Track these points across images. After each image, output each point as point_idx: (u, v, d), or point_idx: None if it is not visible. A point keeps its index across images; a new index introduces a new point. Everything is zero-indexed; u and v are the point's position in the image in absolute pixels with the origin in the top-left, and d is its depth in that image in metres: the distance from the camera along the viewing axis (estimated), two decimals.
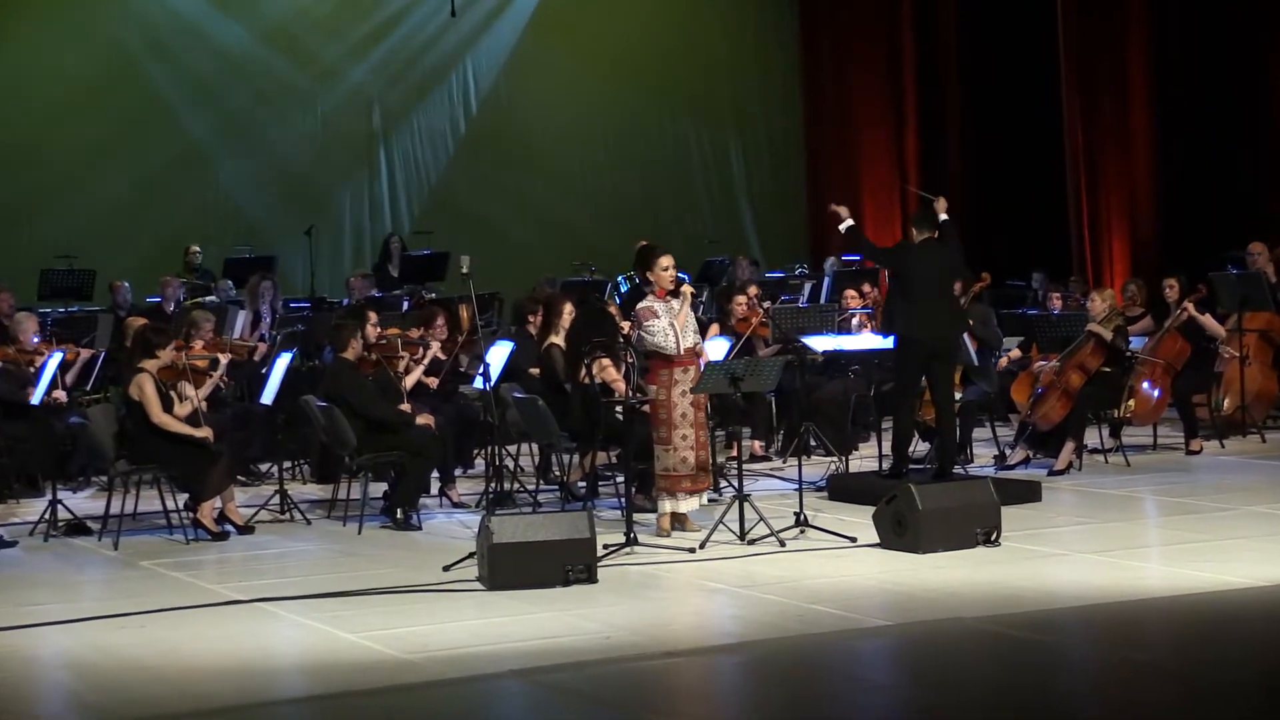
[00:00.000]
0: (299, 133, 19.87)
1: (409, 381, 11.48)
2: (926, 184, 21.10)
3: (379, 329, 11.54)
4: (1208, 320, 13.41)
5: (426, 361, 11.68)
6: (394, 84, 20.47)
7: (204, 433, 10.42)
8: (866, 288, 13.22)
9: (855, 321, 13.11)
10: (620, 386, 10.67)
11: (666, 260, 10.01)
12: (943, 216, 11.04)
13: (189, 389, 10.63)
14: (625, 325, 11.05)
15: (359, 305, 13.99)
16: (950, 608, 7.94)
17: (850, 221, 11.07)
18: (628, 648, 7.32)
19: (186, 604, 8.41)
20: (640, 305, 10.09)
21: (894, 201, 21.26)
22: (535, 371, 11.68)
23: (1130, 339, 12.74)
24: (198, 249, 17.44)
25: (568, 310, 11.43)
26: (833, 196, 21.66)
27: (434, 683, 6.87)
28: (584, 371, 10.75)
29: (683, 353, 9.90)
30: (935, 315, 10.82)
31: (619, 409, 10.48)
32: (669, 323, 9.87)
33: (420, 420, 11.02)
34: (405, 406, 11.08)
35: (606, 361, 10.76)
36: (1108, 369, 12.38)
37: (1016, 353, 13.12)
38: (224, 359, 11.09)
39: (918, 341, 10.83)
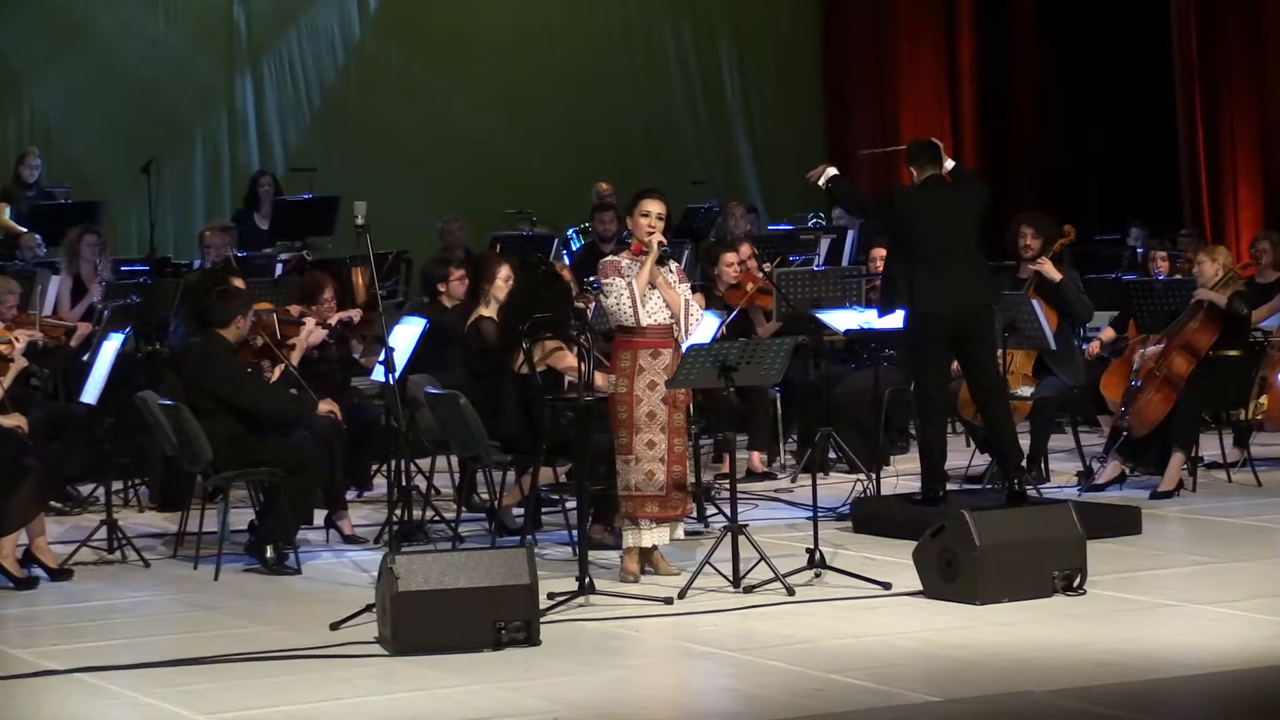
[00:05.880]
0: (134, 35, 19.78)
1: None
2: (989, 108, 21.23)
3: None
4: None
5: (304, 345, 11.64)
6: None
7: (14, 420, 10.44)
8: None
9: None
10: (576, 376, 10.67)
11: (649, 204, 10.03)
12: (950, 164, 11.11)
13: None
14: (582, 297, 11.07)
15: (217, 269, 13.94)
16: (1018, 679, 7.98)
17: (833, 171, 11.15)
18: None
19: None
20: (605, 259, 10.15)
21: (944, 128, 21.28)
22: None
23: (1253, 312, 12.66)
24: (38, 159, 17.17)
25: (503, 275, 11.42)
26: (858, 123, 22.10)
27: None
28: (522, 358, 10.76)
29: (643, 325, 9.90)
30: (953, 278, 10.83)
31: (568, 407, 10.49)
32: (629, 282, 9.89)
33: (324, 407, 11.09)
34: None
35: (554, 344, 10.76)
36: (1230, 353, 12.35)
37: (1110, 333, 13.03)
38: (23, 340, 11.03)
39: (933, 317, 10.84)
